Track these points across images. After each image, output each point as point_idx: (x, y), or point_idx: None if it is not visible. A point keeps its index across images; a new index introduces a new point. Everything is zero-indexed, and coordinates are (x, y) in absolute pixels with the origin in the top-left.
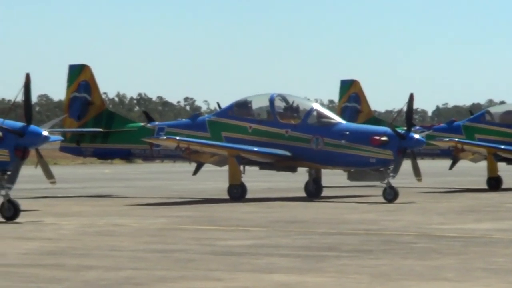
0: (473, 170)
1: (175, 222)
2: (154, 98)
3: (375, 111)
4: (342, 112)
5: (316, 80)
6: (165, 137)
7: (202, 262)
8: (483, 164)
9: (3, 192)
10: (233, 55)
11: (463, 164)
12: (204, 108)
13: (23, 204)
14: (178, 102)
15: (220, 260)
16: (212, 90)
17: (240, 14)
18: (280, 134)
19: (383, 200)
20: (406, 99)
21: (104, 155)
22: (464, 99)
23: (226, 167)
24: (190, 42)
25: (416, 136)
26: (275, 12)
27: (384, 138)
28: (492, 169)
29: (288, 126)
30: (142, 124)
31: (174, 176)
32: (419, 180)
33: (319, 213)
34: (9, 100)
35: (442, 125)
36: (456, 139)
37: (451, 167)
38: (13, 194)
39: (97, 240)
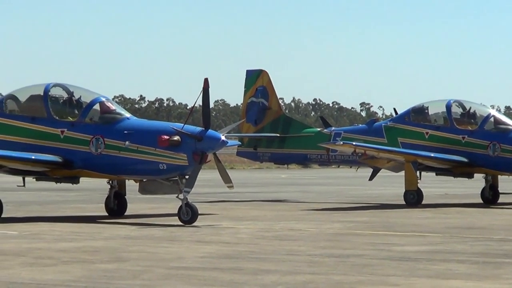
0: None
1: (351, 227)
2: (330, 104)
3: None
4: None
5: (491, 85)
6: (341, 143)
7: (378, 267)
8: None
9: (181, 196)
10: (410, 61)
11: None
12: (379, 113)
13: (200, 208)
14: (352, 108)
15: (396, 265)
16: (388, 95)
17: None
18: (457, 140)
19: None
20: None
21: (281, 160)
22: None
23: (402, 173)
24: (365, 48)
25: None
26: (465, 17)
27: None
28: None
29: (465, 132)
30: (318, 129)
31: (350, 181)
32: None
33: (496, 220)
34: (186, 105)
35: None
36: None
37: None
38: (191, 198)
39: (274, 244)
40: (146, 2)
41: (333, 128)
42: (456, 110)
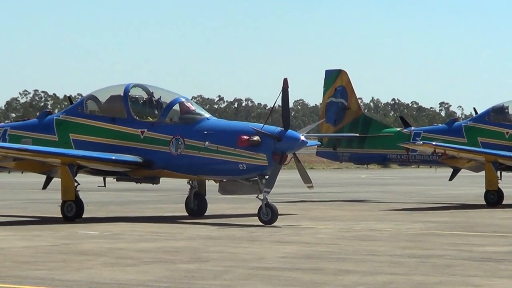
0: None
1: (431, 228)
2: (409, 103)
3: None
4: None
5: None
6: (421, 142)
7: (460, 268)
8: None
9: (261, 196)
10: (489, 60)
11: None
12: (458, 113)
13: (280, 208)
14: (431, 107)
15: (478, 266)
16: (467, 95)
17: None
18: None
19: None
20: None
21: (360, 160)
22: None
23: (482, 173)
24: (444, 47)
25: None
26: None
27: None
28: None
29: None
30: (398, 129)
31: (430, 182)
32: None
33: None
34: (265, 105)
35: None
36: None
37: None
38: (270, 198)
39: (355, 245)
40: (225, 2)
41: (412, 128)
42: None
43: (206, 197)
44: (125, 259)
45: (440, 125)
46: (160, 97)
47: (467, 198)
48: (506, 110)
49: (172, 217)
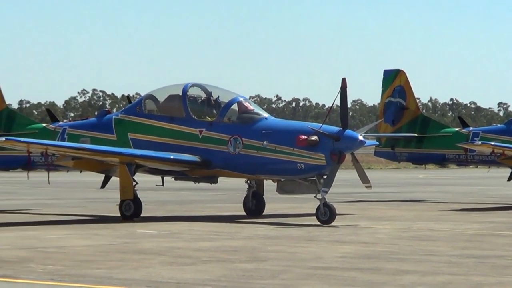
0: None
1: (490, 228)
2: (467, 103)
3: None
4: None
5: None
6: (480, 143)
7: None
8: None
9: (319, 196)
10: None
11: None
12: None
13: (338, 208)
14: (490, 108)
15: None
16: None
17: None
18: None
19: None
20: None
21: (419, 160)
22: None
23: None
24: (502, 47)
25: None
26: None
27: None
28: None
29: None
30: (456, 129)
31: (489, 182)
32: None
33: None
34: (323, 105)
35: (500, 125)
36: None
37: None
38: (328, 198)
39: (413, 245)
40: (283, 2)
41: (471, 128)
42: None
43: (264, 196)
44: (183, 258)
45: (498, 125)
46: (219, 96)
47: None
48: None
49: (230, 216)
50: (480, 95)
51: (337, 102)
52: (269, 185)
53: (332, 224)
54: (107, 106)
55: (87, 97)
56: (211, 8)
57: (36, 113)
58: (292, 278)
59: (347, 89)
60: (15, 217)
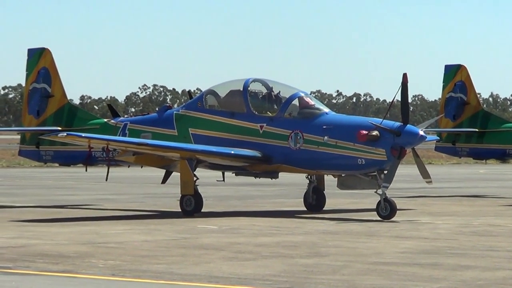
0: None
1: None
2: None
3: None
4: None
5: None
6: None
7: None
8: None
9: (379, 191)
10: None
11: None
12: None
13: (399, 203)
14: None
15: None
16: None
17: None
18: None
19: None
20: None
21: (479, 155)
22: None
23: None
24: None
25: None
26: None
27: None
28: None
29: None
30: None
31: None
32: None
33: None
34: (384, 100)
35: None
36: None
37: None
38: (389, 193)
39: (473, 240)
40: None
41: None
42: None
43: (324, 191)
44: (244, 253)
45: None
46: (280, 91)
47: None
48: None
49: (291, 211)
50: None
51: (398, 97)
52: (329, 180)
53: (393, 219)
54: (168, 101)
55: (148, 92)
56: (272, 3)
57: (97, 108)
58: (352, 274)
59: (408, 84)
60: (76, 212)
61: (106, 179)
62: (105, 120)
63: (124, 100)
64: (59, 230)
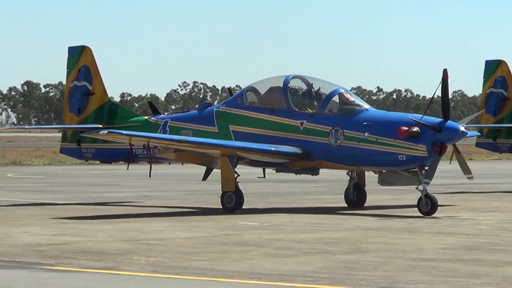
0: None
1: None
2: None
3: None
4: None
5: None
6: None
7: None
8: None
9: (420, 187)
10: None
11: None
12: None
13: (440, 199)
14: None
15: None
16: None
17: None
18: None
19: None
20: None
21: None
22: None
23: None
24: None
25: None
26: None
27: None
28: None
29: None
30: None
31: None
32: None
33: None
34: (424, 96)
35: None
36: None
37: None
38: (430, 189)
39: None
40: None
41: None
42: None
43: (365, 188)
44: (285, 250)
45: None
46: (320, 88)
47: None
48: None
49: (332, 208)
50: None
51: (438, 93)
52: (370, 177)
53: (434, 215)
54: (208, 98)
55: (188, 90)
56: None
57: (137, 105)
58: (394, 270)
59: (448, 79)
60: (118, 209)
61: (150, 175)
62: (146, 117)
63: (165, 97)
64: (101, 227)
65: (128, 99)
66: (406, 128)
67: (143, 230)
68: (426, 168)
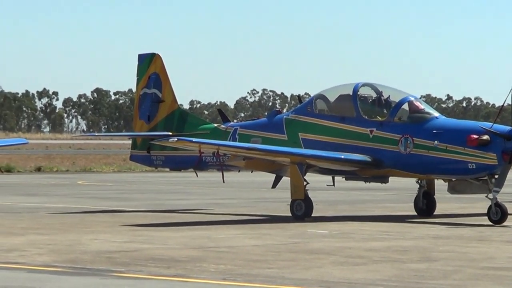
0: None
1: None
2: None
3: None
4: None
5: None
6: None
7: None
8: None
9: (490, 196)
10: None
11: None
12: None
13: (510, 208)
14: None
15: None
16: None
17: None
18: None
19: None
20: None
21: None
22: None
23: None
24: None
25: None
26: None
27: None
28: None
29: None
30: None
31: None
32: None
33: None
34: (494, 104)
35: None
36: None
37: None
38: (500, 198)
39: None
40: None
41: None
42: None
43: (435, 196)
44: (354, 258)
45: None
46: (389, 96)
47: None
48: None
49: (401, 216)
50: None
51: (509, 101)
52: (439, 185)
53: (504, 224)
54: (277, 106)
55: (257, 97)
56: (384, 6)
57: (206, 113)
58: (463, 279)
59: None
60: (188, 217)
61: (223, 181)
62: (215, 125)
63: (234, 104)
64: (171, 235)
65: (197, 106)
66: (476, 136)
67: (212, 237)
68: (496, 176)
